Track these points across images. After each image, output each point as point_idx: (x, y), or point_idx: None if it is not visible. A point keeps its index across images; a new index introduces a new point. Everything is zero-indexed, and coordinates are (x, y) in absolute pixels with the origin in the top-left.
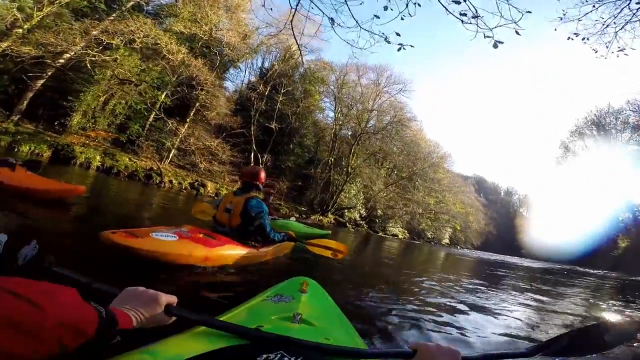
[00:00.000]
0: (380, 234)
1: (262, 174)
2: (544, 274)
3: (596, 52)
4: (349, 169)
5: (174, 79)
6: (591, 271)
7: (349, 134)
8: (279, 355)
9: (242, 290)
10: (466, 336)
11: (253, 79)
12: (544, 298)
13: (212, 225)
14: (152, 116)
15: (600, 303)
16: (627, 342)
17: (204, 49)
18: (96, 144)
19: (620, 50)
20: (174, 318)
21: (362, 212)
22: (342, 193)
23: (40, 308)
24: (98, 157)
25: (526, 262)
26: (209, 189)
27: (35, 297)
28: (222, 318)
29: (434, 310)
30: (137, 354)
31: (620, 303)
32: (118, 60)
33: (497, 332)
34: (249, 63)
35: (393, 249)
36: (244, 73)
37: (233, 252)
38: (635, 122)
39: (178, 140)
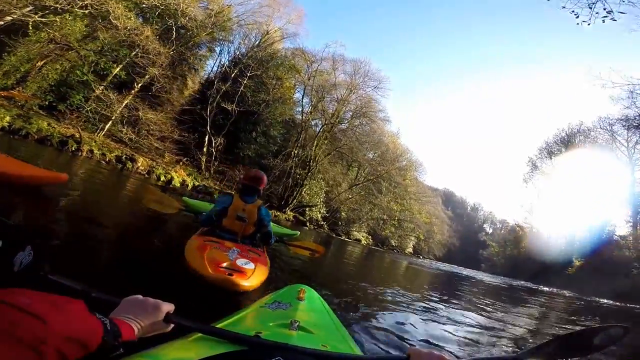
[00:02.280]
0: (343, 237)
1: (265, 179)
2: (504, 290)
3: (577, 16)
4: (312, 163)
5: (130, 51)
6: (546, 289)
7: (319, 128)
8: None
9: (240, 297)
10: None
11: (227, 63)
12: (509, 312)
13: (217, 232)
14: (101, 88)
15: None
16: (613, 344)
17: (167, 20)
18: (10, 105)
19: (607, 13)
20: (172, 325)
21: (323, 211)
22: (304, 189)
23: (44, 322)
24: (7, 118)
25: (487, 277)
26: (139, 164)
27: (40, 310)
28: (220, 325)
29: (413, 319)
30: (137, 358)
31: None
32: (57, 23)
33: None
34: (224, 48)
35: (355, 256)
36: (219, 57)
37: (268, 262)
38: (604, 142)
39: (118, 111)
